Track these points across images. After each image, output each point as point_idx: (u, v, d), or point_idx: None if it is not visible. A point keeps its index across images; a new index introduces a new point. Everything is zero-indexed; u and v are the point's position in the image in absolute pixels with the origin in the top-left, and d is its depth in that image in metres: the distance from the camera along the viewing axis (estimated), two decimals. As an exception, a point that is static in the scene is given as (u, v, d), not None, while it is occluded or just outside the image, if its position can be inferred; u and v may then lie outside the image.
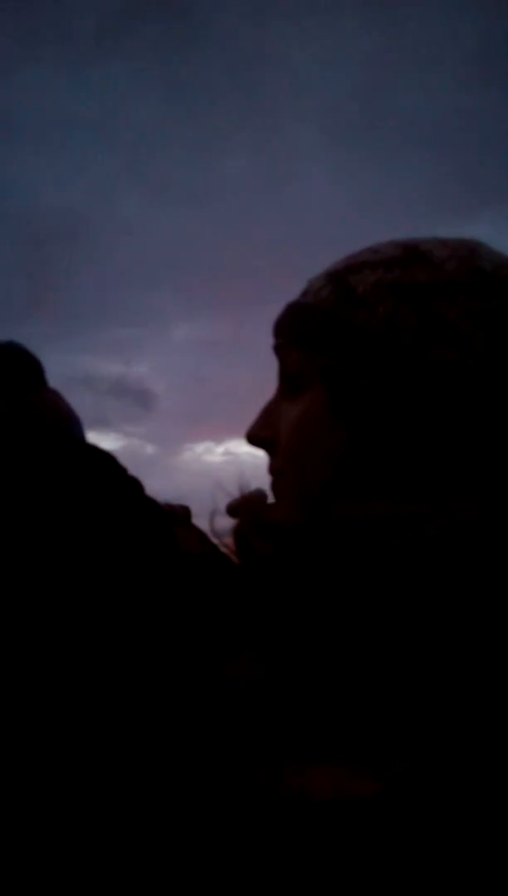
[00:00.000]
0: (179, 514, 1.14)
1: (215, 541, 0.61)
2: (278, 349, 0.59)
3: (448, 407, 0.49)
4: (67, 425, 1.17)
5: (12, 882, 0.60)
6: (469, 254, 0.53)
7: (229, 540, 0.59)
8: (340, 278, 0.55)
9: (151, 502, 1.04)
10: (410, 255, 0.53)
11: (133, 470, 1.08)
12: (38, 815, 0.62)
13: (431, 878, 0.37)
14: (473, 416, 0.49)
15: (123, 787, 0.48)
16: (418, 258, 0.53)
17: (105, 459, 1.06)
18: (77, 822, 0.55)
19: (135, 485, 1.06)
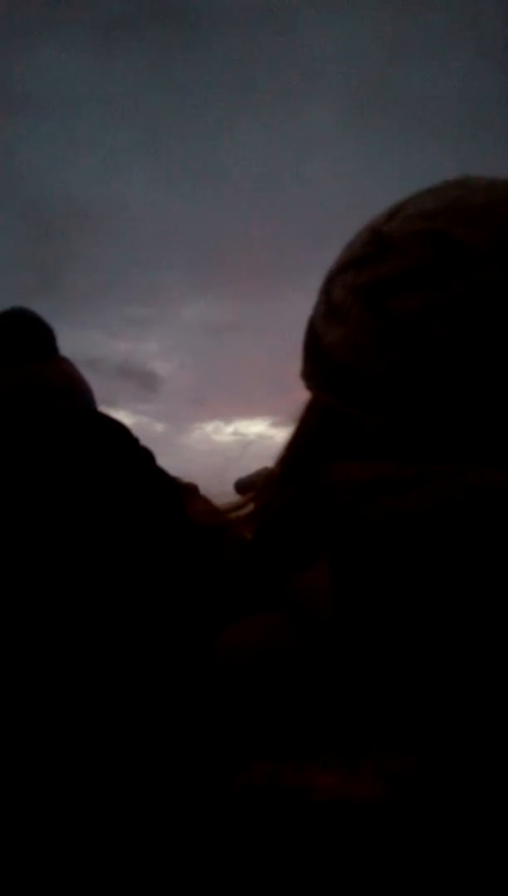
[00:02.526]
0: (188, 489, 1.14)
1: (223, 513, 0.61)
2: None
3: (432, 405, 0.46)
4: (79, 394, 1.15)
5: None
6: (446, 225, 0.47)
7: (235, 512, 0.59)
8: (324, 289, 0.54)
9: (162, 472, 1.04)
10: (375, 246, 0.50)
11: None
12: (27, 797, 0.62)
13: (435, 879, 0.37)
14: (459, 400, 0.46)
15: (119, 781, 0.47)
16: (382, 249, 0.49)
17: (117, 428, 1.05)
18: (70, 812, 0.53)
19: (147, 455, 1.05)
